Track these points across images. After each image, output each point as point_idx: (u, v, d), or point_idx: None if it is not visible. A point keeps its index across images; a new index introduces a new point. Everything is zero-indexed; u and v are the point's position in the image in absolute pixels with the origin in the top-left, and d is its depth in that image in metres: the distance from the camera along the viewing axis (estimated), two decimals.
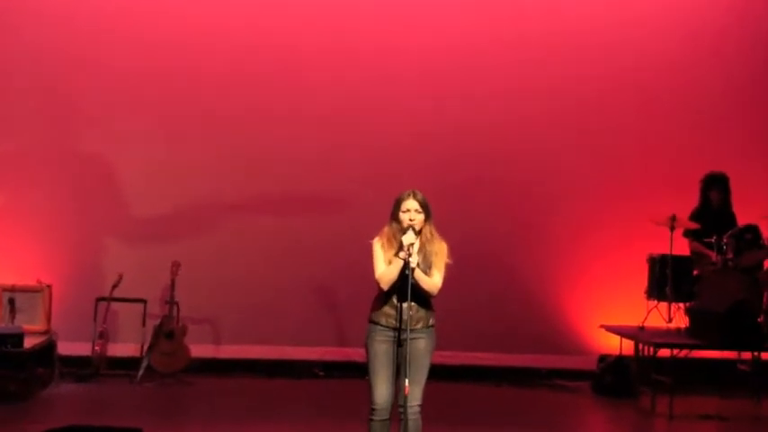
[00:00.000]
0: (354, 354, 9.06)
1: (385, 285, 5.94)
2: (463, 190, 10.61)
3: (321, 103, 10.58)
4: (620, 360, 9.96)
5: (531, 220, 10.76)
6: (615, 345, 10.13)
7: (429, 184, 9.56)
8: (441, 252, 6.04)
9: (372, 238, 6.06)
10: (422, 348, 5.98)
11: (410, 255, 5.85)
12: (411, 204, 6.01)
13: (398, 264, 5.89)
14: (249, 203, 10.57)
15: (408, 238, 5.89)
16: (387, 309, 5.99)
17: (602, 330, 10.27)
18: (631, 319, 10.00)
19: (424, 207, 6.02)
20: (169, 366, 9.73)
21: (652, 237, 9.99)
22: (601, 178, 10.81)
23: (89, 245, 10.42)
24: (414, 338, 5.90)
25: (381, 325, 5.98)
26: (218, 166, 10.55)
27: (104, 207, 10.50)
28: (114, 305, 9.97)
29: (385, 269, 5.96)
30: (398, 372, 5.92)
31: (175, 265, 9.83)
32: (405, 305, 5.88)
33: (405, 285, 5.86)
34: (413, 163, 10.32)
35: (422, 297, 5.98)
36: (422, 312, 6.00)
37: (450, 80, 10.70)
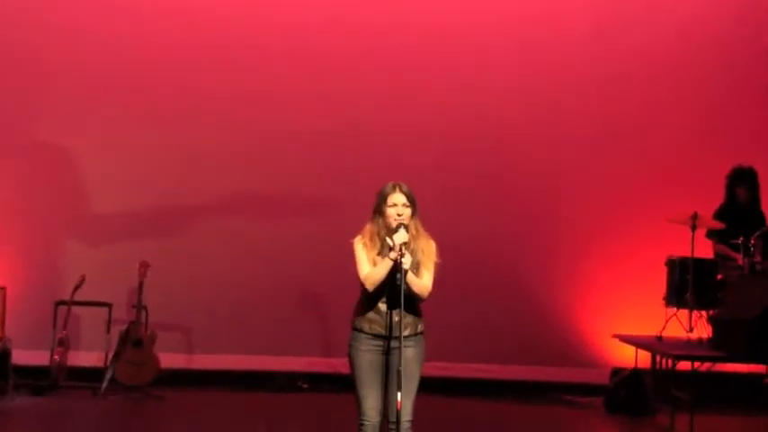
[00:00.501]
0: (342, 365, 8.96)
1: (371, 287, 5.87)
2: (465, 190, 10.64)
3: (308, 95, 10.55)
4: (635, 373, 9.89)
5: (538, 221, 10.76)
6: (630, 356, 10.09)
7: (427, 183, 9.64)
8: (429, 250, 5.99)
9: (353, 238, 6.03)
10: (410, 357, 5.89)
11: (402, 255, 5.77)
12: (398, 198, 5.95)
13: (386, 263, 5.83)
14: (227, 199, 10.52)
15: (400, 236, 5.82)
16: (371, 314, 5.93)
17: (616, 341, 10.22)
18: (648, 329, 9.91)
19: (412, 201, 5.98)
20: (136, 378, 9.64)
21: (671, 238, 9.95)
22: (616, 176, 10.81)
23: (48, 242, 10.35)
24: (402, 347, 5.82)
25: (365, 332, 5.93)
26: (193, 158, 10.47)
27: (65, 200, 10.42)
28: (76, 309, 9.86)
29: (371, 269, 5.89)
30: (386, 384, 5.89)
31: (144, 266, 9.74)
32: (395, 313, 5.81)
33: (394, 290, 5.79)
34: (408, 161, 10.24)
35: (410, 301, 5.88)
36: (409, 318, 5.91)
37: (451, 74, 10.71)
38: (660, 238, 10.17)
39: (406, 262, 5.75)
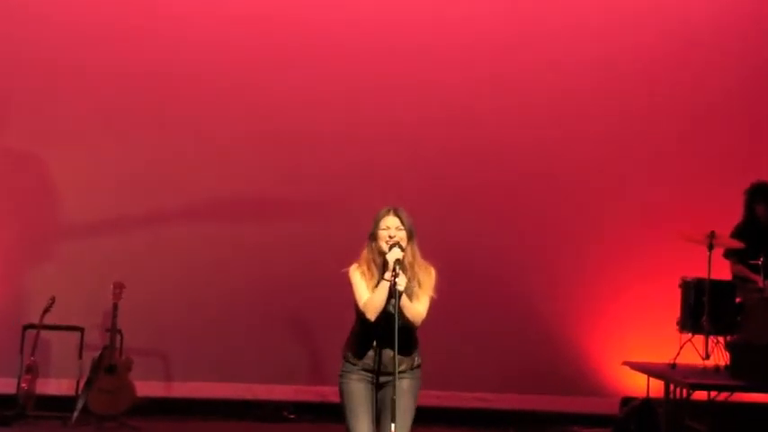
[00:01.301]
0: (331, 393, 8.88)
1: (372, 315, 5.87)
2: (467, 205, 10.63)
3: (292, 94, 10.54)
4: (646, 403, 9.83)
5: (543, 239, 10.75)
6: (641, 385, 10.03)
7: (424, 194, 9.55)
8: (426, 279, 6.02)
9: (347, 266, 6.05)
10: (404, 388, 5.91)
11: (397, 275, 5.79)
12: (391, 221, 6.01)
13: (383, 287, 5.85)
14: (209, 214, 10.49)
15: (394, 254, 5.85)
16: (365, 348, 5.95)
17: (626, 368, 10.15)
18: (661, 356, 9.87)
19: (406, 225, 6.02)
20: (110, 407, 9.57)
21: (686, 258, 9.91)
22: (627, 192, 10.84)
23: (14, 261, 10.28)
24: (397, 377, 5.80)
25: (357, 366, 5.98)
26: (172, 169, 10.43)
27: (33, 215, 10.38)
28: (45, 334, 9.80)
29: (369, 296, 5.88)
30: (379, 418, 5.91)
31: (118, 287, 9.67)
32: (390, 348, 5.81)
33: (387, 317, 5.79)
34: (404, 170, 10.35)
35: (405, 335, 5.86)
36: (407, 353, 5.94)
37: (455, 69, 10.70)
38: (674, 258, 10.16)
39: (401, 282, 5.77)
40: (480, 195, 10.65)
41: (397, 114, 10.56)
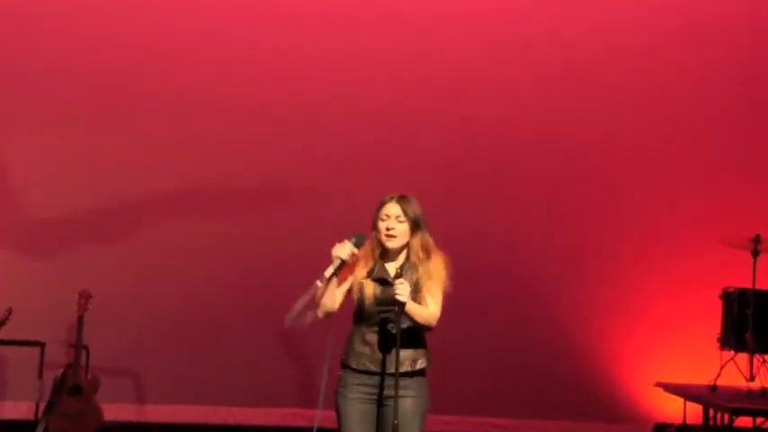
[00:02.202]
0: (325, 417, 8.76)
1: (320, 312, 5.79)
2: (478, 199, 10.53)
3: (288, 87, 10.40)
4: (683, 430, 9.88)
5: (568, 245, 10.64)
6: (677, 410, 10.00)
7: (428, 185, 9.29)
8: (437, 272, 5.85)
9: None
10: (408, 408, 5.73)
11: (335, 273, 5.72)
12: (392, 209, 5.85)
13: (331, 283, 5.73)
14: (185, 210, 10.40)
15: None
16: (358, 346, 5.82)
17: (660, 390, 10.10)
18: (699, 376, 9.88)
19: (410, 215, 5.86)
20: None
21: (728, 265, 9.97)
22: (661, 191, 10.73)
23: None
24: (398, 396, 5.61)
25: (351, 369, 5.80)
26: (142, 158, 10.25)
27: None
28: (0, 350, 9.74)
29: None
30: None
31: (84, 297, 9.37)
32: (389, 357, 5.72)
33: (387, 336, 5.74)
34: (411, 165, 10.18)
35: (408, 334, 5.74)
36: (407, 351, 5.75)
37: (462, 48, 10.54)
38: (714, 265, 10.18)
39: (404, 293, 5.57)
40: (495, 187, 10.56)
41: (397, 98, 10.44)
